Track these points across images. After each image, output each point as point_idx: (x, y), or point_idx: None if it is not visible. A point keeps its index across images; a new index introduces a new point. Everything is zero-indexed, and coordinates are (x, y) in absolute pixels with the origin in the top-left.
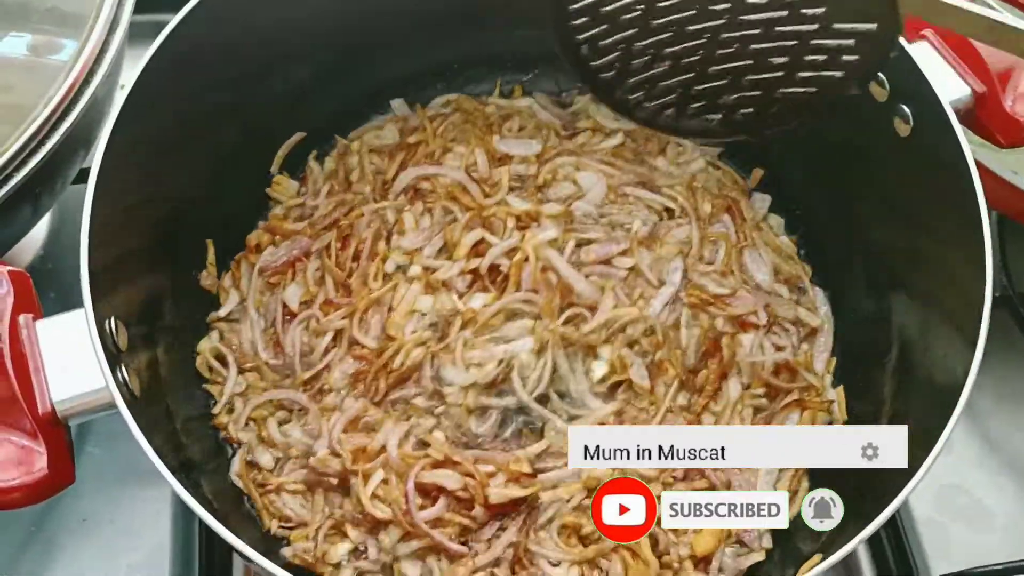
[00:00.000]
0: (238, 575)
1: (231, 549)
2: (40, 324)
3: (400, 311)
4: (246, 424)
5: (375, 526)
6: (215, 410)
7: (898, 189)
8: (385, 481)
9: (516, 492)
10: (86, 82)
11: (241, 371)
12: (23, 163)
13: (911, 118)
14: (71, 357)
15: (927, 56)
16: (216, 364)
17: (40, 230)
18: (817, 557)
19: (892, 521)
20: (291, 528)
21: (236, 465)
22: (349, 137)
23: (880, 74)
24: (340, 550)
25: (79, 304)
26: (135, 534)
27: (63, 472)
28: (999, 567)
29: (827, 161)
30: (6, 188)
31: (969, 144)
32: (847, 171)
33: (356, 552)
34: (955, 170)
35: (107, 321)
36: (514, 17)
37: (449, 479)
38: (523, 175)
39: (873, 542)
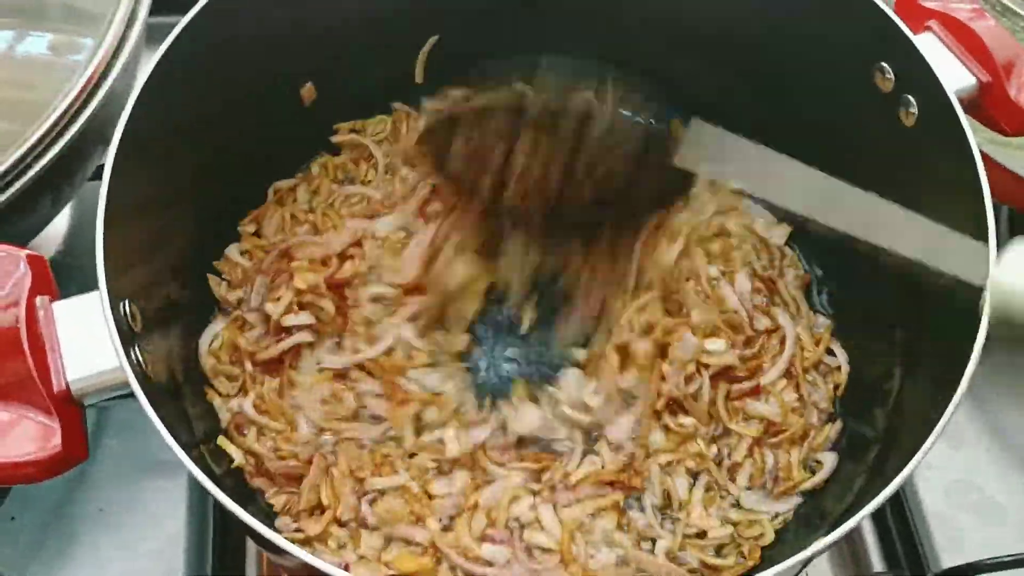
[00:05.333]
0: (251, 562)
1: (244, 537)
2: (57, 306)
3: None
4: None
5: None
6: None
7: (903, 178)
8: None
9: None
10: (103, 76)
11: None
12: (42, 154)
13: (916, 108)
14: (86, 338)
15: (932, 47)
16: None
17: (60, 227)
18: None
19: (902, 514)
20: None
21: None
22: None
23: (885, 64)
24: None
25: None
26: (151, 523)
27: (77, 448)
28: (1009, 558)
29: (828, 150)
30: (26, 178)
31: (981, 140)
32: (849, 160)
33: None
34: (960, 157)
35: (122, 303)
36: None
37: None
38: None
39: (883, 535)
